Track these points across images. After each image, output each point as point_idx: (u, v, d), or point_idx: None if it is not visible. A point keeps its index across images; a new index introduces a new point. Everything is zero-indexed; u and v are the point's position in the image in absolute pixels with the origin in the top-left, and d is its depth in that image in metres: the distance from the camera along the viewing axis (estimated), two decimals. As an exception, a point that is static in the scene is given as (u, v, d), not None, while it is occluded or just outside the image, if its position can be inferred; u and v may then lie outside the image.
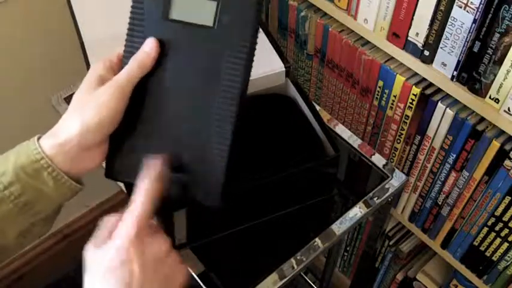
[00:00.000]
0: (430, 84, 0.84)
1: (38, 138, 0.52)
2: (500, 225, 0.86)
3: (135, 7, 0.53)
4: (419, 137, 0.91)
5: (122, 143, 0.53)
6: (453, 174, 0.89)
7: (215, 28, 0.51)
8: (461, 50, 0.74)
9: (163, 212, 0.59)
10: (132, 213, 0.46)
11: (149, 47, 0.51)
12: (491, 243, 0.90)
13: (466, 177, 0.87)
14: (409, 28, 0.79)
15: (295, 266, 0.70)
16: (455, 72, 0.77)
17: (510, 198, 0.82)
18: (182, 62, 0.52)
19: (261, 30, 0.79)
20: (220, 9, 0.51)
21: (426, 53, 0.80)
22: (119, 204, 1.55)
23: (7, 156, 0.51)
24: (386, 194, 0.79)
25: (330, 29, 0.94)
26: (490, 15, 0.69)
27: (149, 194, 0.47)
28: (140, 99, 0.53)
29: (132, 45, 0.52)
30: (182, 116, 0.53)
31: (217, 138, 0.52)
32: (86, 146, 0.51)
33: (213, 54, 0.51)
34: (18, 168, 0.50)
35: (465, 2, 0.70)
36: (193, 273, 0.69)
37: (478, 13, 0.69)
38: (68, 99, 0.93)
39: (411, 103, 0.88)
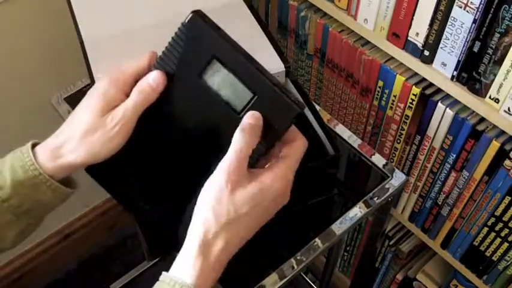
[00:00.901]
0: (430, 84, 0.84)
1: (33, 146, 0.52)
2: (500, 225, 0.86)
3: (174, 44, 0.51)
4: (419, 137, 0.91)
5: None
6: (453, 174, 0.89)
7: (240, 116, 0.48)
8: (461, 50, 0.74)
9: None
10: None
11: (155, 82, 0.51)
12: (491, 243, 0.90)
13: (466, 177, 0.87)
14: (409, 28, 0.79)
15: (295, 266, 0.70)
16: (455, 72, 0.77)
17: (510, 198, 0.82)
18: (192, 125, 0.52)
19: (261, 30, 0.79)
20: (253, 102, 0.48)
21: (426, 53, 0.80)
22: (119, 204, 1.55)
23: (1, 170, 0.52)
24: (387, 194, 0.79)
25: (330, 29, 0.94)
26: (490, 15, 0.69)
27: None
28: (144, 141, 0.53)
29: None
30: (176, 174, 0.53)
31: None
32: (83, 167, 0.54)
33: (225, 136, 0.48)
34: (15, 182, 0.51)
35: (465, 2, 0.70)
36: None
37: (478, 13, 0.69)
38: (67, 99, 0.93)
39: (411, 103, 0.88)
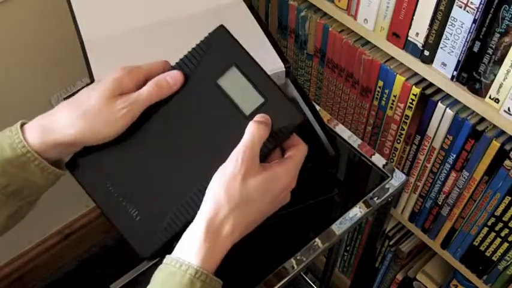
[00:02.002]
0: (430, 84, 0.84)
1: (21, 125, 0.52)
2: (500, 225, 0.86)
3: (197, 51, 0.55)
4: (419, 137, 0.91)
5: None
6: (453, 174, 0.89)
7: (247, 119, 0.52)
8: (461, 50, 0.74)
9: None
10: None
11: (173, 79, 0.53)
12: (491, 243, 0.90)
13: (466, 177, 0.87)
14: (409, 28, 0.80)
15: (295, 266, 0.70)
16: (455, 72, 0.77)
17: (510, 198, 0.82)
18: (198, 123, 0.54)
19: (261, 30, 0.79)
20: (263, 107, 0.52)
21: (426, 53, 0.80)
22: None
23: None
24: (386, 194, 0.79)
25: (330, 29, 0.94)
26: (490, 15, 0.69)
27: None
28: (141, 136, 0.54)
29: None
30: (168, 169, 0.54)
31: (180, 211, 0.52)
32: (75, 147, 0.53)
33: (231, 138, 0.51)
34: (3, 161, 0.50)
35: (465, 2, 0.70)
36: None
37: (478, 13, 0.69)
38: (68, 99, 0.93)
39: (411, 103, 0.88)
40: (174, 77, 0.53)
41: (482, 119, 0.80)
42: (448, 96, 0.82)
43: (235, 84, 0.54)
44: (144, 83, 0.53)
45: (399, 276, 1.22)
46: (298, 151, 0.53)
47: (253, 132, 0.49)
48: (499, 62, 0.70)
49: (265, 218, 0.52)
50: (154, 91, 0.52)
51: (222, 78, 0.54)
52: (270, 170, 0.49)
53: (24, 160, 0.50)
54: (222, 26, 0.55)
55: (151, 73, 0.54)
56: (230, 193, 0.47)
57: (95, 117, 0.51)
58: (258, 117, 0.51)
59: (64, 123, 0.51)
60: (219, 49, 0.55)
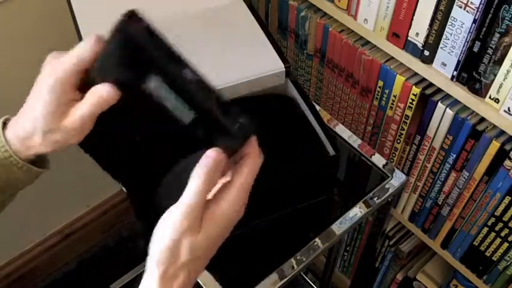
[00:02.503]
0: (430, 84, 0.84)
1: (4, 123, 0.52)
2: (500, 225, 0.86)
3: (109, 47, 0.46)
4: (419, 137, 0.91)
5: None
6: (453, 174, 0.89)
7: (189, 128, 0.44)
8: (461, 50, 0.74)
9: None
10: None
11: (109, 94, 0.47)
12: (491, 243, 0.90)
13: (466, 177, 0.87)
14: (409, 28, 0.79)
15: (295, 266, 0.70)
16: (455, 72, 0.77)
17: (510, 198, 0.82)
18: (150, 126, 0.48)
19: (261, 30, 0.79)
20: (196, 124, 0.44)
21: (426, 53, 0.80)
22: (119, 203, 1.56)
23: None
24: (386, 194, 0.79)
25: (330, 29, 0.94)
26: (490, 15, 0.69)
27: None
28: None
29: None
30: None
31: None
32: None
33: (177, 143, 0.46)
34: None
35: (465, 2, 0.70)
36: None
37: (478, 13, 0.69)
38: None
39: (411, 103, 0.88)
40: (108, 92, 0.48)
41: (482, 119, 0.80)
42: (448, 96, 0.82)
43: (160, 93, 0.44)
44: (82, 73, 0.49)
45: (399, 276, 1.22)
46: (244, 167, 0.46)
47: (194, 185, 0.44)
48: (499, 62, 0.70)
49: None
50: (94, 107, 0.48)
51: (146, 85, 0.44)
52: (214, 221, 0.45)
53: (6, 163, 0.51)
54: (127, 15, 0.44)
55: (84, 63, 0.49)
56: (175, 252, 0.44)
57: (55, 139, 0.50)
58: (198, 167, 0.44)
59: (37, 141, 0.50)
60: (128, 49, 0.44)
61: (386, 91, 0.91)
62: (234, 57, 0.77)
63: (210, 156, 0.44)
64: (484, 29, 0.70)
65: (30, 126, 0.50)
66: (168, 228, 0.44)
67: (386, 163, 0.83)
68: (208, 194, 0.46)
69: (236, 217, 0.47)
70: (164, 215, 0.45)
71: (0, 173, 0.51)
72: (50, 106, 0.49)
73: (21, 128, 0.51)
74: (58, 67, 0.50)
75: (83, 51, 0.48)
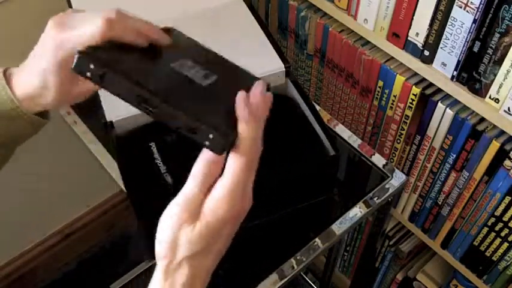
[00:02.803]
0: (430, 84, 0.84)
1: (4, 72, 0.53)
2: (500, 225, 0.86)
3: None
4: (419, 137, 0.91)
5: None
6: (453, 174, 0.89)
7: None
8: (461, 50, 0.74)
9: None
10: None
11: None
12: (491, 243, 0.90)
13: (466, 177, 0.87)
14: (409, 28, 0.79)
15: (295, 266, 0.70)
16: (455, 72, 0.77)
17: (510, 198, 0.82)
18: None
19: (261, 30, 0.79)
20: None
21: (426, 53, 0.80)
22: (119, 203, 1.56)
23: None
24: (386, 194, 0.79)
25: (330, 29, 0.94)
26: (490, 15, 0.69)
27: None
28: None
29: None
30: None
31: None
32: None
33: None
34: None
35: (465, 2, 0.70)
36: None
37: (478, 13, 0.69)
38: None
39: (411, 103, 0.88)
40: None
41: (482, 119, 0.80)
42: (448, 96, 0.82)
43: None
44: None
45: (399, 276, 1.22)
46: (231, 167, 0.45)
47: (192, 183, 0.45)
48: (499, 62, 0.70)
49: (228, 244, 0.49)
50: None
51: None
52: (205, 219, 0.45)
53: (14, 115, 0.51)
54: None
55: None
56: (175, 246, 0.44)
57: (65, 90, 0.50)
58: (196, 162, 0.45)
59: (47, 100, 0.51)
60: None
61: (386, 91, 0.91)
62: (234, 57, 0.77)
63: (206, 151, 0.45)
64: (484, 29, 0.70)
65: (41, 81, 0.50)
66: (167, 221, 0.45)
67: (386, 163, 0.83)
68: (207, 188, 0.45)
69: (236, 211, 0.46)
70: (166, 209, 0.46)
71: (7, 125, 0.51)
72: (58, 64, 0.50)
73: (30, 85, 0.51)
74: (66, 43, 0.50)
75: (92, 35, 0.48)
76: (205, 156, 0.45)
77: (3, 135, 0.52)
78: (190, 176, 0.45)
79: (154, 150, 0.69)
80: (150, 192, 0.69)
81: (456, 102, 0.82)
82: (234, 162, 0.45)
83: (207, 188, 0.45)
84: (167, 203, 0.61)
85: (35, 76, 0.51)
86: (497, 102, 0.74)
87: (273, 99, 0.76)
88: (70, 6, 0.81)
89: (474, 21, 0.70)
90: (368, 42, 0.90)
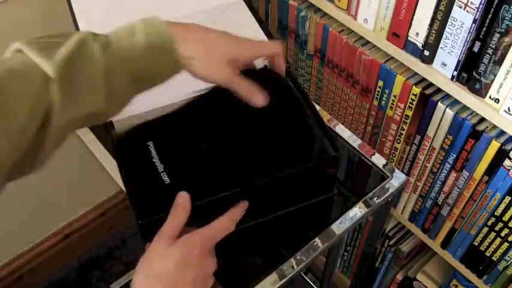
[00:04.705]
0: (430, 84, 0.84)
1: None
2: (500, 225, 0.86)
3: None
4: (419, 137, 0.91)
5: None
6: (453, 174, 0.89)
7: None
8: (461, 50, 0.74)
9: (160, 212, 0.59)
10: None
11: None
12: (491, 243, 0.90)
13: (466, 177, 0.87)
14: (409, 28, 0.80)
15: (295, 266, 0.70)
16: (455, 72, 0.77)
17: (510, 198, 0.82)
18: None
19: (261, 30, 0.79)
20: None
21: (426, 53, 0.80)
22: (119, 204, 1.56)
23: (132, 32, 0.55)
24: (386, 194, 0.79)
25: (330, 29, 0.94)
26: (490, 15, 0.69)
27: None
28: None
29: None
30: None
31: None
32: None
33: None
34: (149, 43, 0.54)
35: (465, 2, 0.70)
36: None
37: (478, 13, 0.69)
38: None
39: (411, 103, 0.88)
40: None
41: (482, 119, 0.80)
42: (448, 96, 0.82)
43: None
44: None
45: (399, 276, 1.22)
46: (217, 223, 0.60)
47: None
48: (499, 62, 0.70)
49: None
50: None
51: None
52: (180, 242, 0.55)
53: (166, 48, 0.55)
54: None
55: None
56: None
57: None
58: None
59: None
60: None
61: (386, 91, 0.91)
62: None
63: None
64: (484, 29, 0.70)
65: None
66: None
67: (387, 163, 0.83)
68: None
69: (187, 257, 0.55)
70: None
71: (156, 57, 0.55)
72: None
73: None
74: None
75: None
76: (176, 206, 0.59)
77: (147, 69, 0.55)
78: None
79: (152, 149, 0.69)
80: (148, 192, 0.69)
81: (456, 102, 0.82)
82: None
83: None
84: (163, 202, 0.61)
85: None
86: (497, 102, 0.74)
87: (274, 94, 0.75)
88: (70, 6, 0.81)
89: (474, 21, 0.70)
90: (368, 42, 0.90)
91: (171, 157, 0.69)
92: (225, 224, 0.58)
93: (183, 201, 0.57)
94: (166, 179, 0.67)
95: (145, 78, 0.56)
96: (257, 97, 0.63)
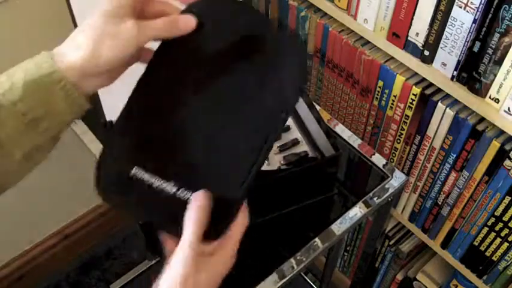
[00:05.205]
0: (430, 84, 0.84)
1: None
2: (500, 225, 0.86)
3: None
4: (419, 137, 0.91)
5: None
6: (453, 174, 0.89)
7: None
8: (461, 50, 0.74)
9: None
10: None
11: (187, 24, 0.51)
12: (491, 243, 0.90)
13: (466, 177, 0.87)
14: (409, 28, 0.79)
15: (295, 266, 0.70)
16: (455, 72, 0.77)
17: (510, 198, 0.82)
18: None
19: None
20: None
21: (426, 53, 0.80)
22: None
23: (14, 71, 0.49)
24: (386, 194, 0.79)
25: (330, 29, 0.94)
26: (490, 15, 0.69)
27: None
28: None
29: None
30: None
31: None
32: (96, 73, 0.50)
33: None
34: (28, 82, 0.47)
35: (465, 2, 0.70)
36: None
37: (478, 13, 0.69)
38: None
39: (411, 103, 0.88)
40: (188, 21, 0.51)
41: (482, 119, 0.80)
42: (448, 96, 0.82)
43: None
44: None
45: (399, 276, 1.22)
46: (237, 227, 0.52)
47: (189, 230, 0.48)
48: (499, 62, 0.70)
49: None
50: (167, 27, 0.50)
51: None
52: (210, 268, 0.50)
53: (49, 81, 0.48)
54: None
55: (164, 10, 0.52)
56: None
57: (102, 32, 0.49)
58: (193, 207, 0.49)
59: (78, 44, 0.49)
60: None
61: (387, 91, 0.91)
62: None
63: (197, 201, 0.49)
64: (484, 29, 0.70)
65: (79, 45, 0.49)
66: (175, 268, 0.47)
67: (386, 163, 0.83)
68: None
69: (225, 270, 0.52)
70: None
71: (41, 95, 0.48)
72: (111, 11, 0.49)
73: (68, 48, 0.50)
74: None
75: None
76: (197, 209, 0.49)
77: (38, 108, 0.48)
78: (185, 229, 0.48)
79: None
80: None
81: (456, 102, 0.82)
82: (239, 227, 0.52)
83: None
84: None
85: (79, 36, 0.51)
86: (497, 102, 0.74)
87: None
88: (69, 6, 0.81)
89: (474, 21, 0.70)
90: (368, 42, 0.90)
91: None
92: (241, 225, 0.54)
93: (201, 202, 0.50)
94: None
95: (39, 119, 0.48)
96: (183, 21, 0.52)
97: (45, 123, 0.48)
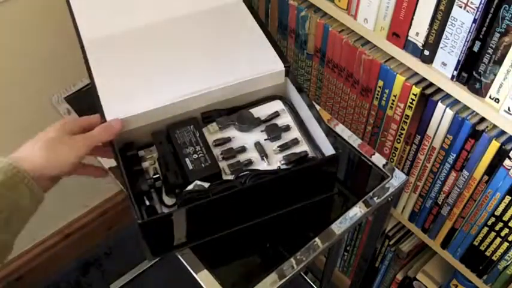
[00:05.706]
0: (430, 84, 0.84)
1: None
2: (500, 225, 0.86)
3: None
4: (419, 137, 0.91)
5: None
6: (453, 174, 0.89)
7: None
8: (461, 50, 0.74)
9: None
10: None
11: (116, 125, 0.66)
12: (491, 243, 0.90)
13: (466, 177, 0.87)
14: (409, 28, 0.79)
15: (295, 266, 0.70)
16: (455, 72, 0.77)
17: (510, 198, 0.82)
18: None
19: (261, 30, 0.79)
20: None
21: (426, 52, 0.80)
22: (119, 204, 1.56)
23: None
24: (386, 194, 0.79)
25: (330, 29, 0.94)
26: (490, 15, 0.69)
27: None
28: None
29: None
30: None
31: None
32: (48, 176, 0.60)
33: None
34: None
35: (465, 1, 0.70)
36: (193, 273, 0.69)
37: (478, 13, 0.69)
38: (67, 99, 0.93)
39: (411, 103, 0.88)
40: (116, 123, 0.66)
41: (482, 119, 0.80)
42: (448, 96, 0.82)
43: None
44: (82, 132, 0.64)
45: (399, 276, 1.22)
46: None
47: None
48: (499, 62, 0.70)
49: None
50: (104, 132, 0.64)
51: None
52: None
53: (16, 180, 0.55)
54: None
55: (90, 123, 0.66)
56: None
57: (57, 145, 0.60)
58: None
59: (35, 154, 0.59)
60: None
61: (386, 91, 0.91)
62: (234, 57, 0.77)
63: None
64: (484, 28, 0.70)
65: (36, 154, 0.60)
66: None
67: (386, 163, 0.83)
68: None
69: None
70: None
71: (10, 194, 0.54)
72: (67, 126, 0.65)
73: (25, 155, 0.60)
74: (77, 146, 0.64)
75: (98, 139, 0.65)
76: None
77: (6, 209, 0.55)
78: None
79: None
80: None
81: (456, 102, 0.82)
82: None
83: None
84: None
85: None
86: (497, 102, 0.74)
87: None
88: (69, 6, 0.81)
89: (474, 21, 0.70)
90: (368, 42, 0.90)
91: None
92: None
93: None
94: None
95: (9, 218, 0.56)
96: (114, 123, 0.67)
97: (14, 221, 0.56)
